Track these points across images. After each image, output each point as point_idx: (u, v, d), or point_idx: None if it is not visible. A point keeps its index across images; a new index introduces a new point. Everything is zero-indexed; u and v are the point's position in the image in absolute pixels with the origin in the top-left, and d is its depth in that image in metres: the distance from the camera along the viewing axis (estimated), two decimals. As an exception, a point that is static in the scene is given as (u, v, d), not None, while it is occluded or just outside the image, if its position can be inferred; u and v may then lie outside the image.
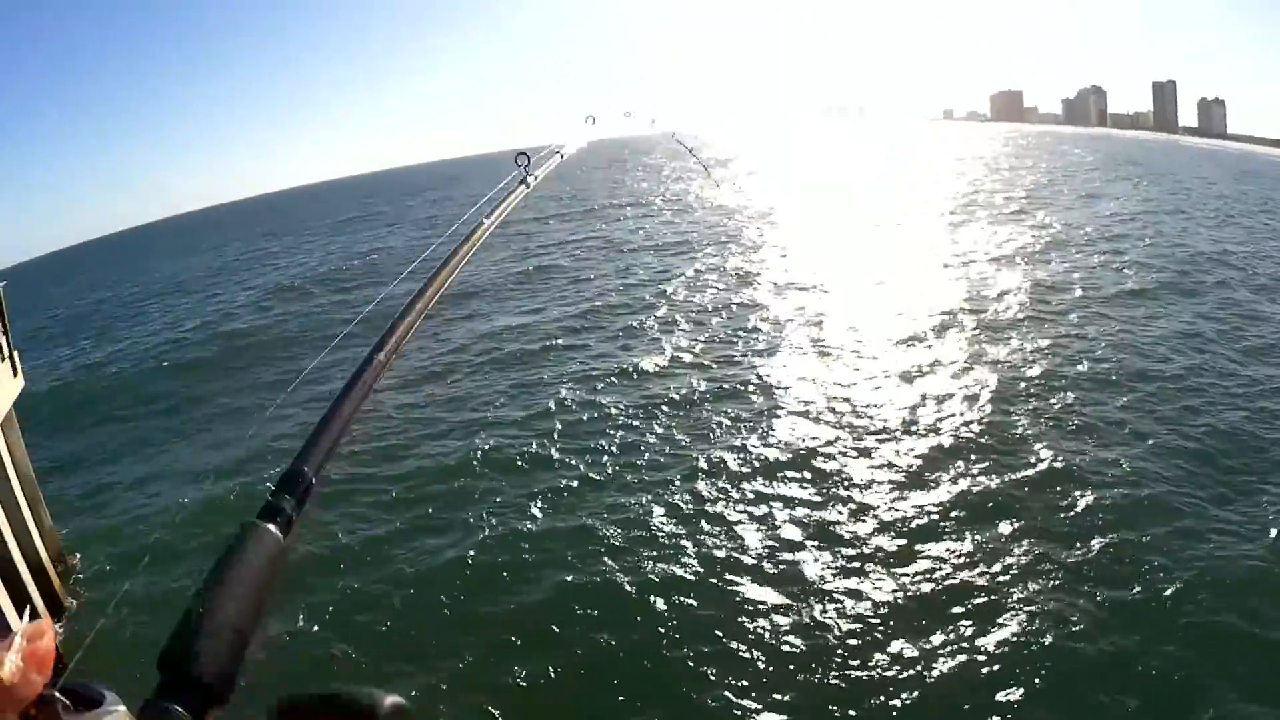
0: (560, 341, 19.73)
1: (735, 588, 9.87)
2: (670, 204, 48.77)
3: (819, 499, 11.72)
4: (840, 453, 13.09)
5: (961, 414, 14.41)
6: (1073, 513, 11.28)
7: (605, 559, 10.64)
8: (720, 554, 10.58)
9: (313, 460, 1.41)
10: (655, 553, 10.71)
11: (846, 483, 12.12)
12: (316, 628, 9.65)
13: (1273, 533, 10.71)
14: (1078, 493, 11.70)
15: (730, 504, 11.75)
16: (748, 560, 10.40)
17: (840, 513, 11.39)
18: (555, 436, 14.22)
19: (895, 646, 8.85)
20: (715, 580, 10.03)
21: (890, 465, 12.64)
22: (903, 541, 10.68)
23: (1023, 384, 15.69)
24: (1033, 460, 12.75)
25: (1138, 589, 9.63)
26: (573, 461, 13.35)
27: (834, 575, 10.06)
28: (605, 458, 13.37)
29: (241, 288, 35.58)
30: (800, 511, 11.47)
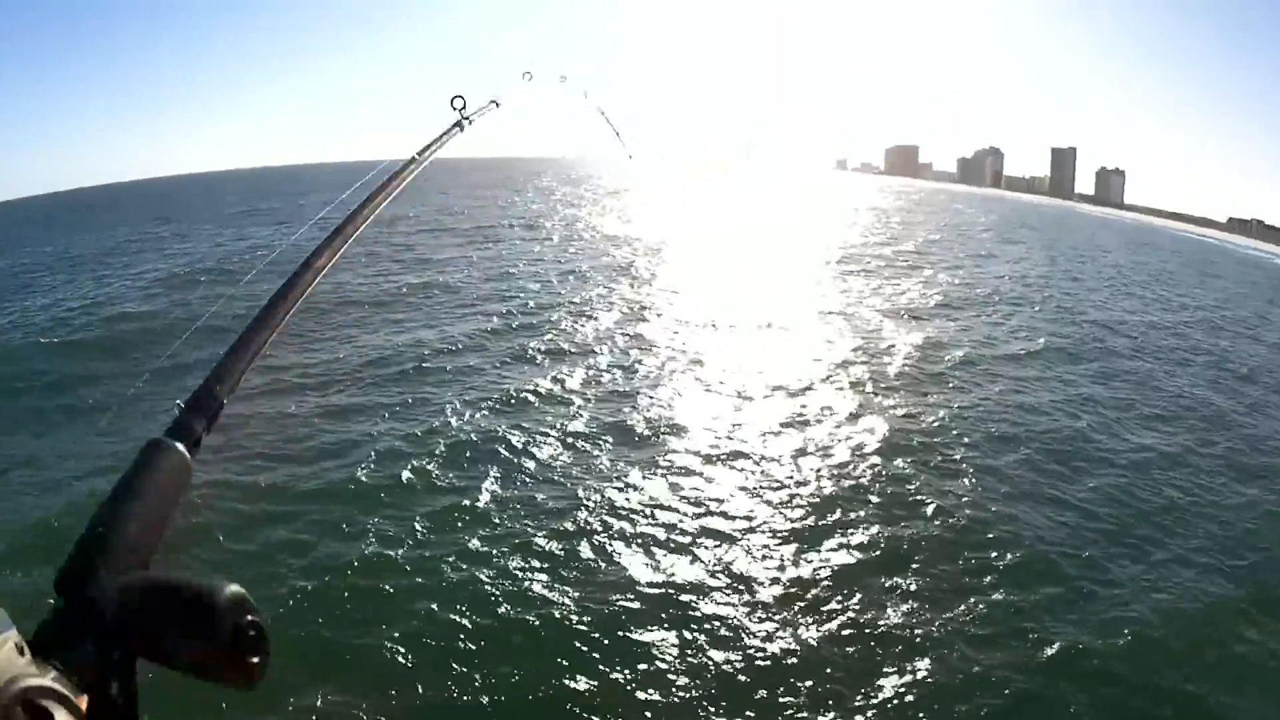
0: (445, 363, 19.00)
1: (613, 625, 9.45)
2: (560, 228, 48.31)
3: (701, 540, 11.44)
4: (723, 498, 12.74)
5: (847, 465, 14.21)
6: (958, 568, 11.19)
7: (483, 589, 10.11)
8: (598, 590, 10.13)
9: (225, 381, 1.41)
10: (533, 585, 10.23)
11: (728, 527, 11.82)
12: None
13: (1155, 595, 10.98)
14: (964, 550, 11.64)
15: (613, 538, 11.39)
16: (628, 597, 10.01)
17: (720, 555, 11.07)
18: (436, 460, 13.61)
19: (767, 694, 8.56)
20: (590, 617, 9.57)
21: (772, 512, 12.34)
22: (778, 591, 10.34)
23: (911, 438, 15.56)
24: (918, 514, 12.63)
25: (1020, 647, 9.56)
26: (453, 486, 12.79)
27: (713, 618, 9.69)
28: (486, 483, 12.84)
29: (129, 272, 33.64)
30: (681, 548, 11.19)
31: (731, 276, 33.83)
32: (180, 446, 1.25)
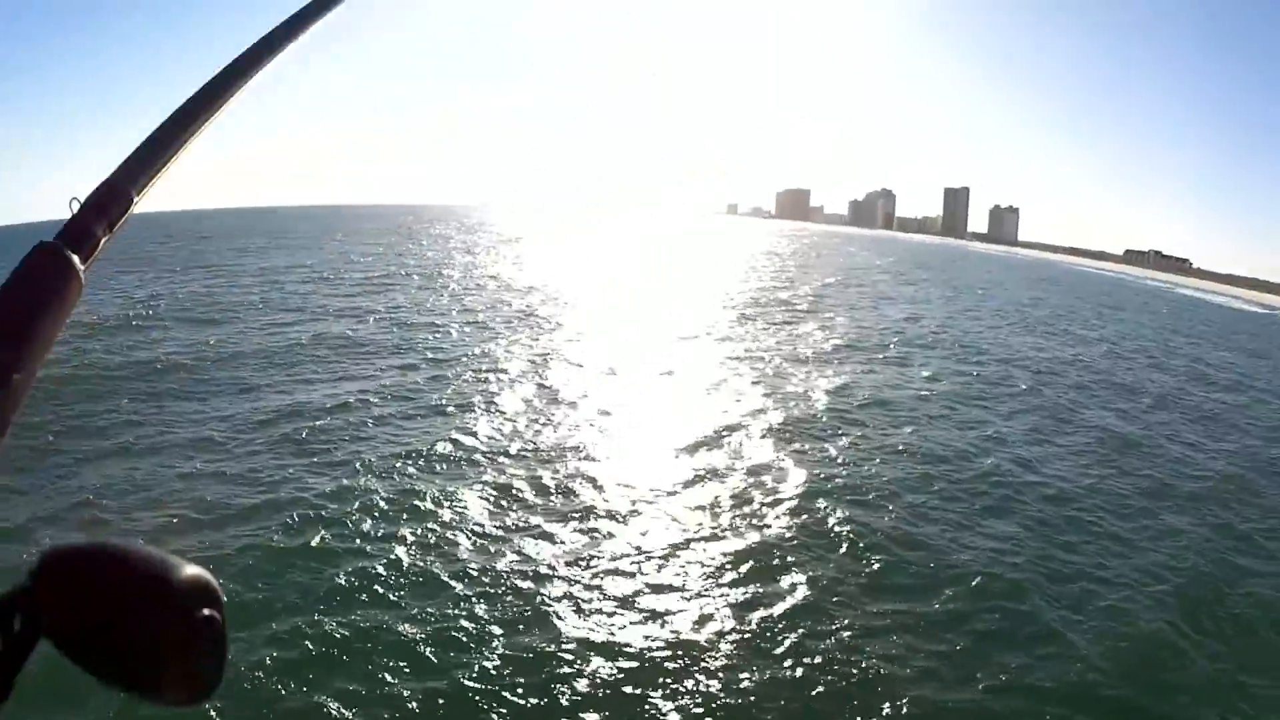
0: (345, 417, 18.66)
1: (533, 683, 9.45)
2: (460, 278, 48.20)
3: (623, 591, 11.54)
4: (641, 548, 12.92)
5: (767, 510, 14.55)
6: (886, 606, 11.48)
7: (405, 653, 9.98)
8: (519, 645, 10.18)
9: (140, 179, 1.23)
10: (452, 643, 10.20)
11: (647, 579, 11.93)
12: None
13: (1088, 622, 11.48)
14: (891, 588, 12.03)
15: (531, 595, 11.39)
16: (550, 655, 10.03)
17: (644, 606, 11.20)
18: (346, 520, 13.41)
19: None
20: (512, 671, 9.65)
21: (693, 562, 12.56)
22: (704, 638, 10.50)
23: (825, 482, 15.97)
24: (841, 554, 13.01)
25: (956, 680, 9.86)
26: (362, 550, 12.56)
27: (636, 673, 9.74)
28: (398, 547, 12.69)
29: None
30: (602, 599, 11.32)
31: (633, 325, 34.32)
32: (73, 256, 1.11)
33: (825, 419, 20.50)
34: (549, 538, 13.15)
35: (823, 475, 16.32)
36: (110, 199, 1.19)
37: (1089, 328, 46.36)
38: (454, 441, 17.32)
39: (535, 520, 13.76)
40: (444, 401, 20.36)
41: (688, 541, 13.25)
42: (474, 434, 17.73)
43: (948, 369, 28.52)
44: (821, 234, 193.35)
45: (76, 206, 1.17)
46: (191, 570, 0.83)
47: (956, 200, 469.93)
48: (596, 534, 13.42)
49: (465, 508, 14.14)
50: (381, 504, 14.14)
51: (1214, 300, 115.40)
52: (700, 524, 13.91)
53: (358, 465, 15.69)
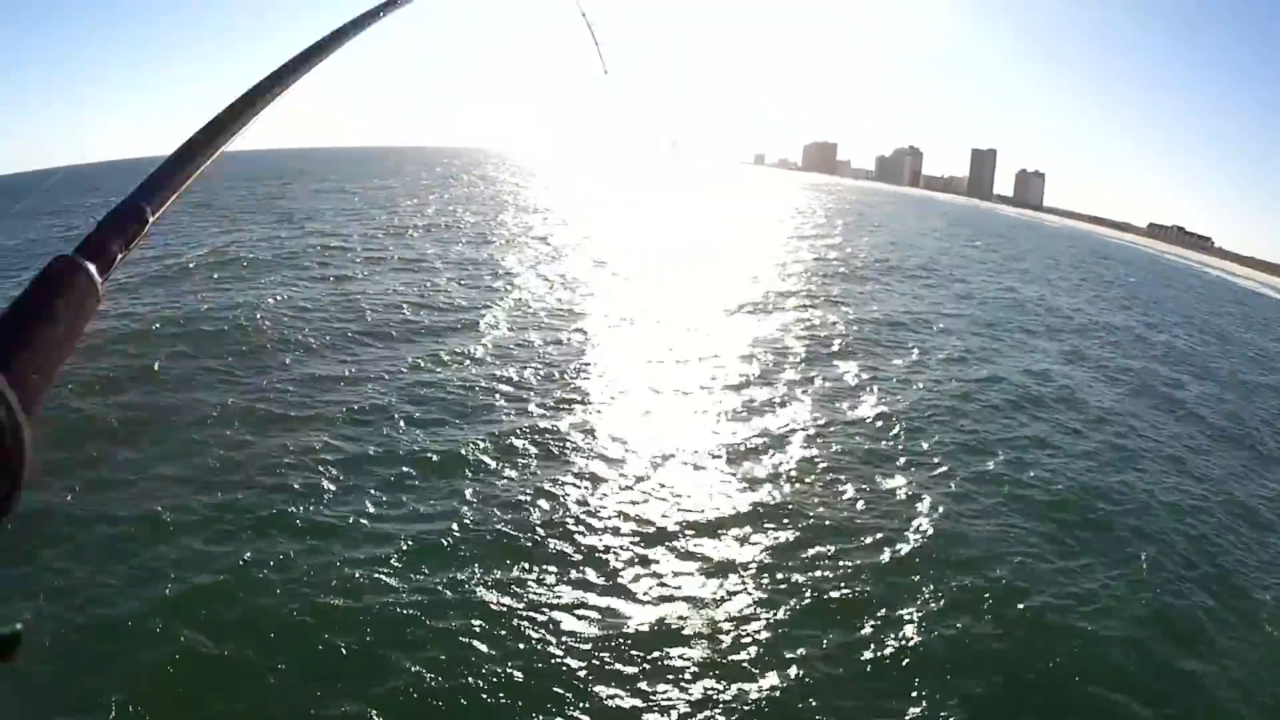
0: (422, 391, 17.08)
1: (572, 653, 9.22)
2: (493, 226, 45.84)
3: (670, 559, 11.28)
4: (693, 511, 12.60)
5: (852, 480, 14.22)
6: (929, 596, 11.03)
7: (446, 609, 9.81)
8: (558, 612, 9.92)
9: (156, 199, 1.31)
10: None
11: (693, 544, 11.69)
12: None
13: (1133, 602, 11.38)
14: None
15: (582, 559, 11.10)
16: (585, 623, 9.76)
17: (684, 569, 11.08)
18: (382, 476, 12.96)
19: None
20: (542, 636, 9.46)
21: (766, 530, 12.25)
22: (747, 611, 10.28)
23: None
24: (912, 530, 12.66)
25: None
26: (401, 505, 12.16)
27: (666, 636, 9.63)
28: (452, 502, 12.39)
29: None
30: (648, 565, 11.09)
31: (685, 290, 31.43)
32: (90, 267, 1.11)
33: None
34: (595, 504, 12.52)
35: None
36: (129, 217, 1.24)
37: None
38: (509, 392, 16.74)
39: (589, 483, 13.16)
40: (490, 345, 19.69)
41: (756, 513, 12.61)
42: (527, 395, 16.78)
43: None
44: (863, 191, 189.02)
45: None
46: None
47: (983, 162, 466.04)
48: (650, 495, 12.93)
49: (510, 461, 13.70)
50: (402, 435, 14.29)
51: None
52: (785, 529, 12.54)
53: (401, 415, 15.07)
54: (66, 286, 1.07)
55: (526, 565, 10.60)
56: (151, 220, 1.27)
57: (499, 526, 11.45)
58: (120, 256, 1.20)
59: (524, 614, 9.63)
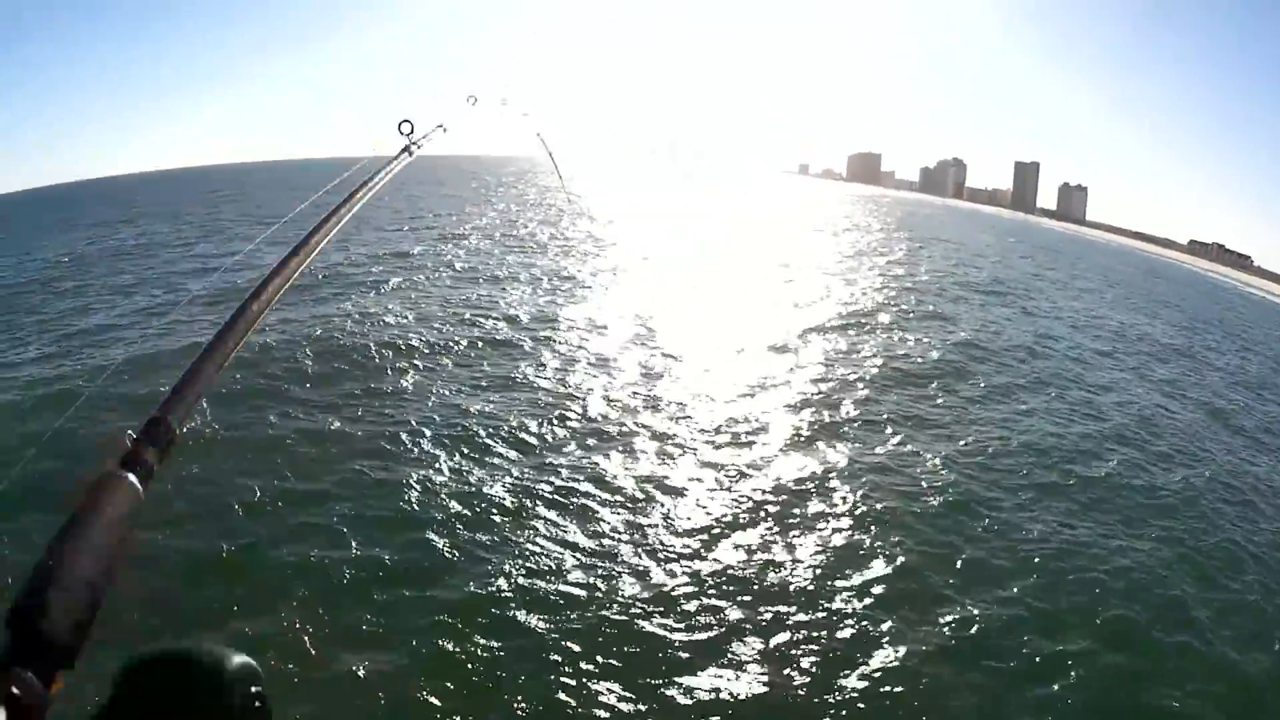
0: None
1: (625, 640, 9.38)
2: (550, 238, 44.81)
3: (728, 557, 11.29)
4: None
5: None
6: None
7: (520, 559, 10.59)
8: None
9: (178, 410, 1.43)
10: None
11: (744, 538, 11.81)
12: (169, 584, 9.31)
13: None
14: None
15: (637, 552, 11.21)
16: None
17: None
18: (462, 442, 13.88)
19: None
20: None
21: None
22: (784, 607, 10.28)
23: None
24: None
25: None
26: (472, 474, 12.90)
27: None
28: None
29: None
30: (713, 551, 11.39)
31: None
32: (133, 479, 1.23)
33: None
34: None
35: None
36: (159, 430, 1.35)
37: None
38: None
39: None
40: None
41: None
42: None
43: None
44: (901, 202, 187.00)
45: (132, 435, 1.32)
46: (239, 659, 1.12)
47: (1026, 175, 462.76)
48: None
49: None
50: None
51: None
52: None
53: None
54: (114, 500, 1.16)
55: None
56: (179, 431, 1.38)
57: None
58: (156, 466, 1.29)
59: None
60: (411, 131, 3.82)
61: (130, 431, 1.32)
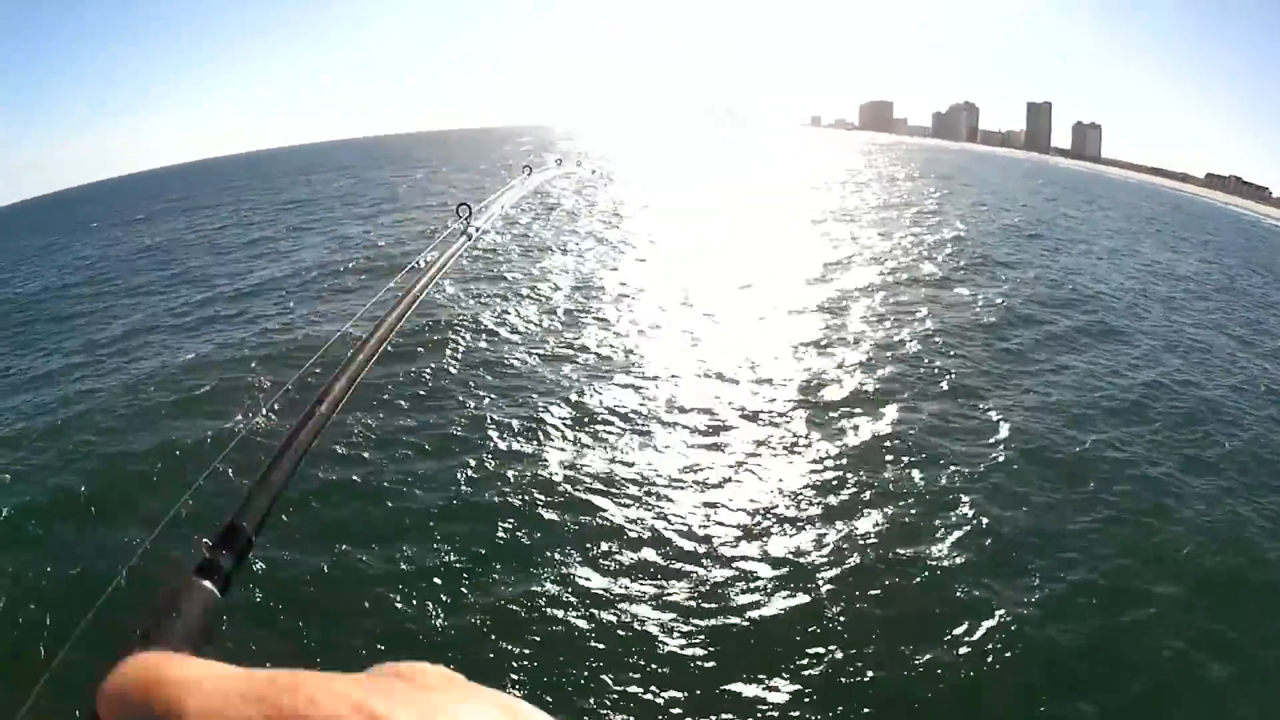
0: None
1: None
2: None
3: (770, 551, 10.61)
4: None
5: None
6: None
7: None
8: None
9: (251, 517, 1.42)
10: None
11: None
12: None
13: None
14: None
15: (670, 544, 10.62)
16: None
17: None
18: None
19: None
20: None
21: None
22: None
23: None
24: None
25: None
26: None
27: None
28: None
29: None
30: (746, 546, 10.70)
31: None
32: (209, 585, 1.20)
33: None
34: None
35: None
36: (233, 537, 1.34)
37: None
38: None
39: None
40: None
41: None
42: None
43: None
44: (917, 148, 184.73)
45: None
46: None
47: (1039, 115, 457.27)
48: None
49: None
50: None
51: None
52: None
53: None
54: (192, 607, 1.13)
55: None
56: (254, 537, 1.36)
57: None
58: (233, 572, 1.26)
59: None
60: (469, 214, 3.88)
61: (206, 540, 1.32)
